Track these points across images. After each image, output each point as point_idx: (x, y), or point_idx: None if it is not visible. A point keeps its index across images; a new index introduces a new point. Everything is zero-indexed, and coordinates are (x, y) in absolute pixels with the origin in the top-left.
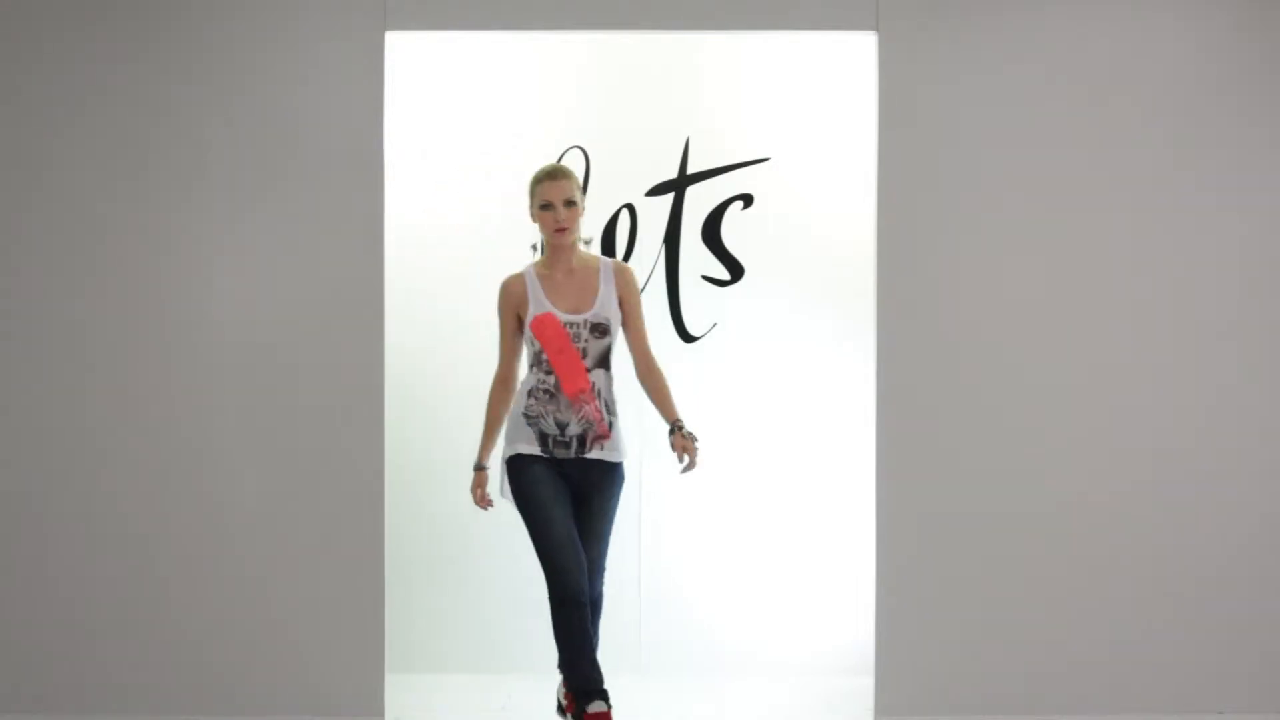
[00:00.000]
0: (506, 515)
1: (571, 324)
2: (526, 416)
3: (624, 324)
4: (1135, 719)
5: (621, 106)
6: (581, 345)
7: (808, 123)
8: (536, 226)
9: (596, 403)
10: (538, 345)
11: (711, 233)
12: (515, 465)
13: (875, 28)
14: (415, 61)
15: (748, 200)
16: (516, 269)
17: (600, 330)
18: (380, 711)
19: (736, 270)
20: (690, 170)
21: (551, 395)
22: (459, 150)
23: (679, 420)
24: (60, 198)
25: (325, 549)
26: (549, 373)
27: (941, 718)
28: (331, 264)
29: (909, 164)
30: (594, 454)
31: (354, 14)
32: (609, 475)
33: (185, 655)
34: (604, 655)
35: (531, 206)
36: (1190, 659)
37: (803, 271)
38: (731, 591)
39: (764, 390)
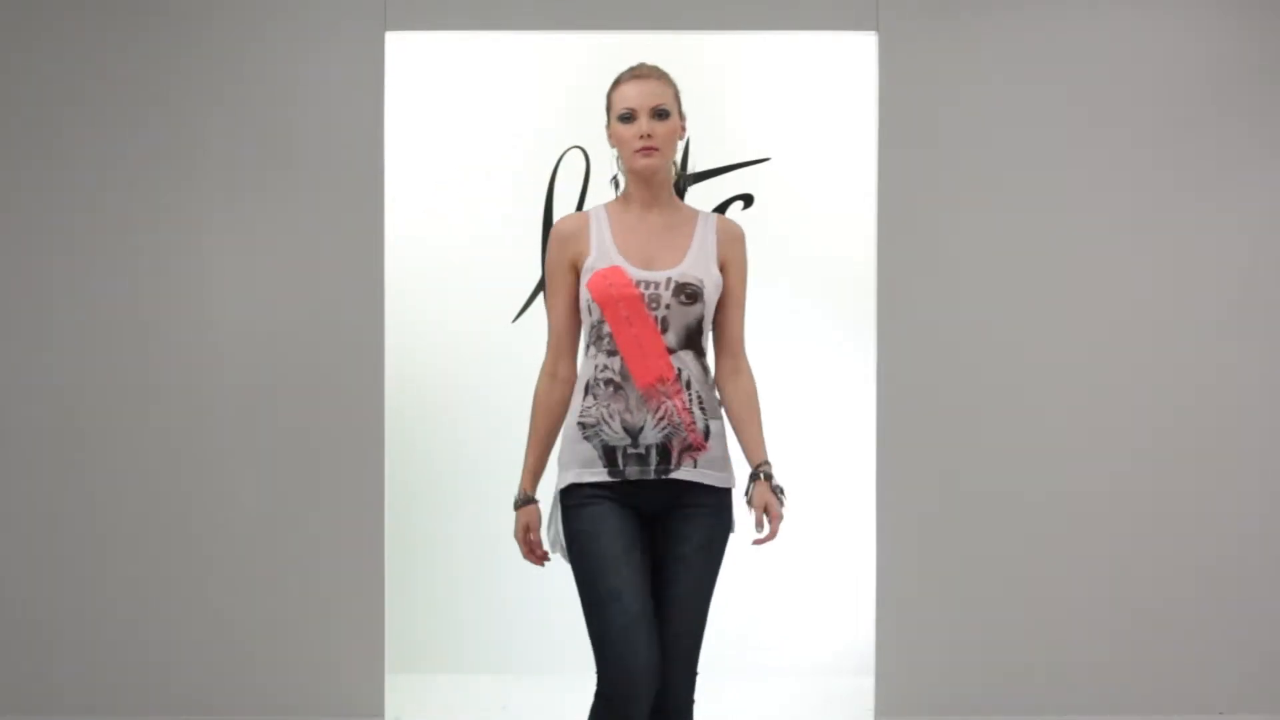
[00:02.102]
0: (504, 512)
1: (647, 283)
2: (582, 426)
3: (718, 301)
4: (1135, 719)
5: None
6: (660, 314)
7: (808, 123)
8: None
9: (684, 396)
10: (596, 314)
11: None
12: (568, 502)
13: (875, 28)
14: (415, 61)
15: (748, 200)
16: (592, 207)
17: (689, 294)
18: (380, 711)
19: None
20: (690, 170)
21: (618, 387)
22: (459, 150)
23: (766, 464)
24: (58, 199)
25: (325, 549)
26: (613, 353)
27: (941, 718)
28: (332, 264)
29: (909, 164)
30: (684, 473)
31: (354, 14)
32: (708, 508)
33: (185, 655)
34: None
35: (608, 121)
36: (1190, 659)
37: (803, 271)
38: (732, 591)
39: (763, 390)
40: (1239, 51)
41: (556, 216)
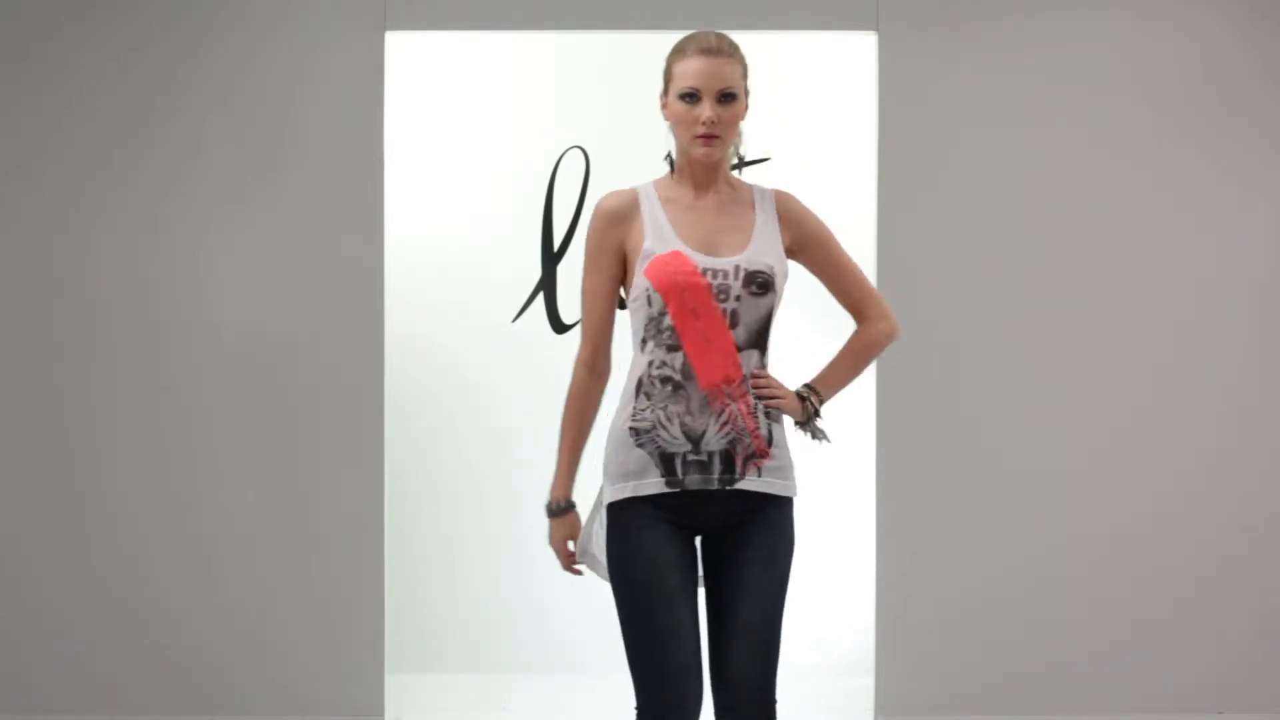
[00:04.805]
0: (504, 512)
1: (714, 271)
2: (635, 431)
3: (818, 270)
4: (1135, 719)
5: (621, 106)
6: (729, 306)
7: (808, 123)
8: (670, 128)
9: (749, 400)
10: (658, 305)
11: None
12: (620, 521)
13: (875, 28)
14: (415, 61)
15: None
16: (639, 184)
17: (760, 284)
18: (380, 711)
19: None
20: None
21: (677, 387)
22: (459, 150)
23: (815, 391)
24: (58, 198)
25: (325, 549)
26: (674, 349)
27: (941, 718)
28: (332, 264)
29: (909, 164)
30: (749, 483)
31: (354, 14)
32: (770, 521)
33: (185, 655)
34: (602, 654)
35: (666, 95)
36: (1190, 659)
37: (803, 272)
38: None
39: None
40: (1239, 51)
41: (556, 217)
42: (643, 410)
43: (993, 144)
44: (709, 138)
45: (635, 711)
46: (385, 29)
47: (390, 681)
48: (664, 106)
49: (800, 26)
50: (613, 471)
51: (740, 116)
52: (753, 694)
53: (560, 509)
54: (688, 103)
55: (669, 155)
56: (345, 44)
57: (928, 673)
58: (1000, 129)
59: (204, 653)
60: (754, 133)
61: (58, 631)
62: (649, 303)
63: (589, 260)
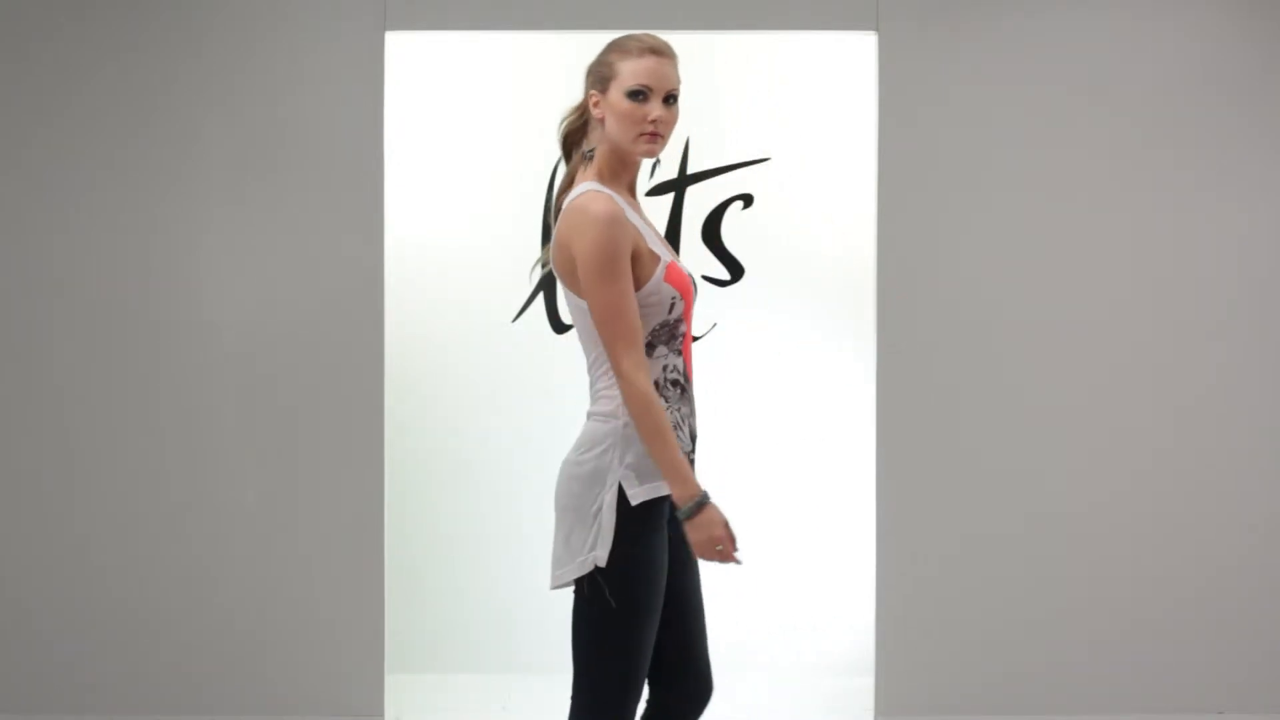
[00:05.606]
0: (504, 512)
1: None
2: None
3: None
4: (1135, 719)
5: None
6: (694, 312)
7: (808, 123)
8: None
9: None
10: (678, 311)
11: (711, 233)
12: (641, 520)
13: (875, 28)
14: (415, 61)
15: (748, 200)
16: (593, 187)
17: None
18: (380, 711)
19: (736, 270)
20: (690, 170)
21: (683, 390)
22: (459, 150)
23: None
24: (59, 198)
25: (325, 549)
26: (678, 353)
27: (941, 718)
28: (331, 264)
29: (909, 164)
30: None
31: (354, 14)
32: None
33: (185, 655)
34: None
35: (607, 90)
36: (1190, 659)
37: (803, 272)
38: (731, 592)
39: (764, 390)
40: (1239, 51)
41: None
42: (669, 410)
43: (993, 144)
44: (654, 136)
45: (574, 702)
46: (385, 29)
47: (390, 681)
48: (594, 104)
49: (800, 26)
50: (646, 470)
51: (677, 120)
52: (705, 647)
53: (706, 499)
54: (636, 101)
55: (589, 151)
56: (345, 44)
57: (928, 673)
58: (1000, 129)
59: (204, 653)
60: (754, 133)
61: (58, 631)
62: (670, 309)
63: (615, 266)
